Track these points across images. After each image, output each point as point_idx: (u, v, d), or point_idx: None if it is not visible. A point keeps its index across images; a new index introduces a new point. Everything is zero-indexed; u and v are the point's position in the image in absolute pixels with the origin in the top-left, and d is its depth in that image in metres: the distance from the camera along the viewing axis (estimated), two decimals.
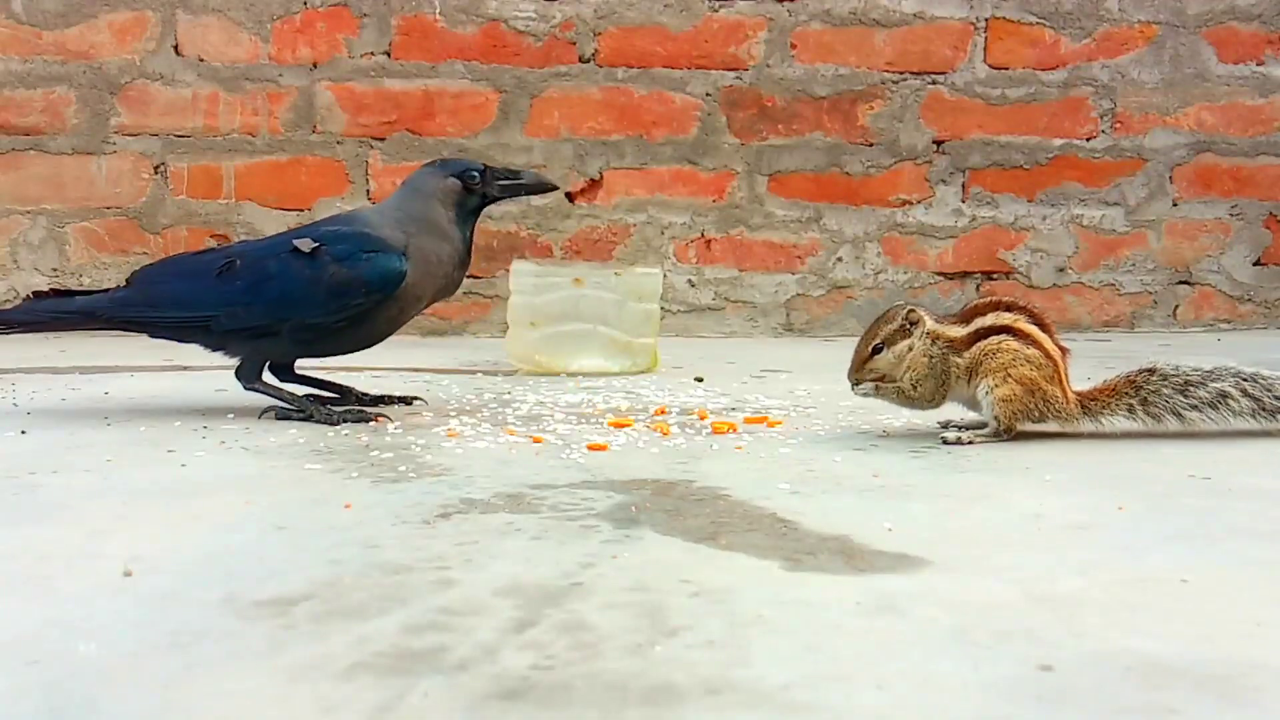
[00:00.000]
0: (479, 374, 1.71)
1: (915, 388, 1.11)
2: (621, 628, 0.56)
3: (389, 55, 2.38)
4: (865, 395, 1.14)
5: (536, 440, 1.10)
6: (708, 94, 2.44)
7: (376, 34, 2.38)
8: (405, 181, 1.33)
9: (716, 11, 2.43)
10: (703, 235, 2.46)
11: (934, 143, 2.49)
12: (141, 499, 0.86)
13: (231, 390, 1.31)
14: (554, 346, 1.69)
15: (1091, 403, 1.12)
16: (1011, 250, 2.52)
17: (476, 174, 1.28)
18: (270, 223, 2.34)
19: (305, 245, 1.22)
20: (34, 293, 1.29)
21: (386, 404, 1.32)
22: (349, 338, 1.26)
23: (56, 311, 1.26)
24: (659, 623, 0.56)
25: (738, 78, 2.44)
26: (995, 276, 2.52)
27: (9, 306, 2.31)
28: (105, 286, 2.30)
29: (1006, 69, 2.49)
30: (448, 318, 2.41)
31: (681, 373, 1.71)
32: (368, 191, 2.38)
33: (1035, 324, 1.11)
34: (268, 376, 1.27)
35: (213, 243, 2.35)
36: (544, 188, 1.35)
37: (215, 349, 1.26)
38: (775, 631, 0.56)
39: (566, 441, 1.09)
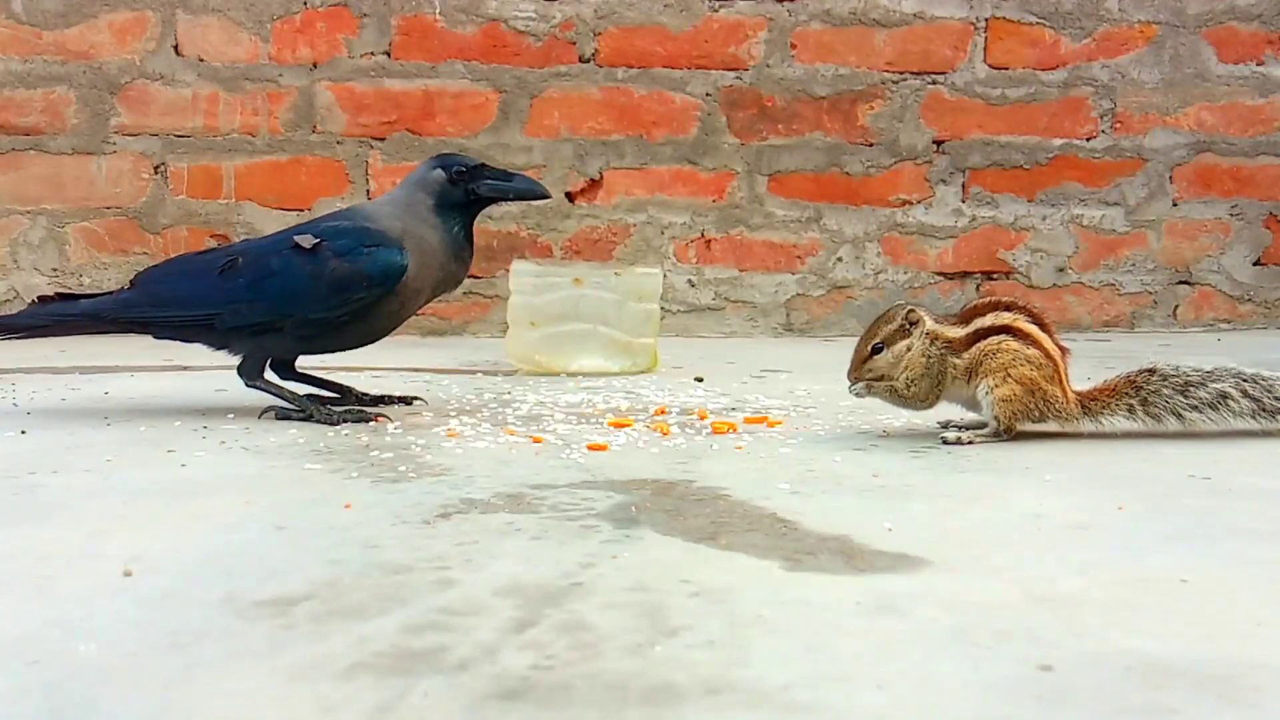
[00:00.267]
0: (479, 374, 1.71)
1: (909, 387, 1.11)
2: (621, 628, 0.56)
3: (389, 55, 2.38)
4: (859, 395, 1.14)
5: (536, 440, 1.10)
6: (708, 94, 2.44)
7: (376, 34, 2.38)
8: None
9: (716, 11, 2.43)
10: (703, 235, 2.46)
11: (934, 143, 2.49)
12: (141, 499, 0.86)
13: (231, 390, 1.32)
14: (554, 346, 1.69)
15: (1091, 403, 1.12)
16: (1011, 250, 2.52)
17: (463, 168, 1.28)
18: (270, 223, 2.34)
19: (306, 241, 1.22)
20: (39, 297, 1.31)
21: (386, 404, 1.32)
22: (352, 333, 1.26)
23: (61, 315, 1.27)
24: (659, 623, 0.56)
25: (738, 78, 2.44)
26: (995, 276, 2.52)
27: (11, 309, 2.32)
28: (105, 286, 2.32)
29: (1006, 69, 2.49)
30: (448, 318, 2.41)
31: (681, 373, 1.71)
32: (367, 191, 2.38)
33: (1035, 324, 1.11)
34: (269, 375, 1.28)
35: (213, 243, 2.35)
36: (533, 194, 1.33)
37: (219, 347, 1.27)
38: (775, 631, 0.56)
39: (566, 441, 1.09)
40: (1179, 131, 2.53)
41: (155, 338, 1.29)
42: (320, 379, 1.33)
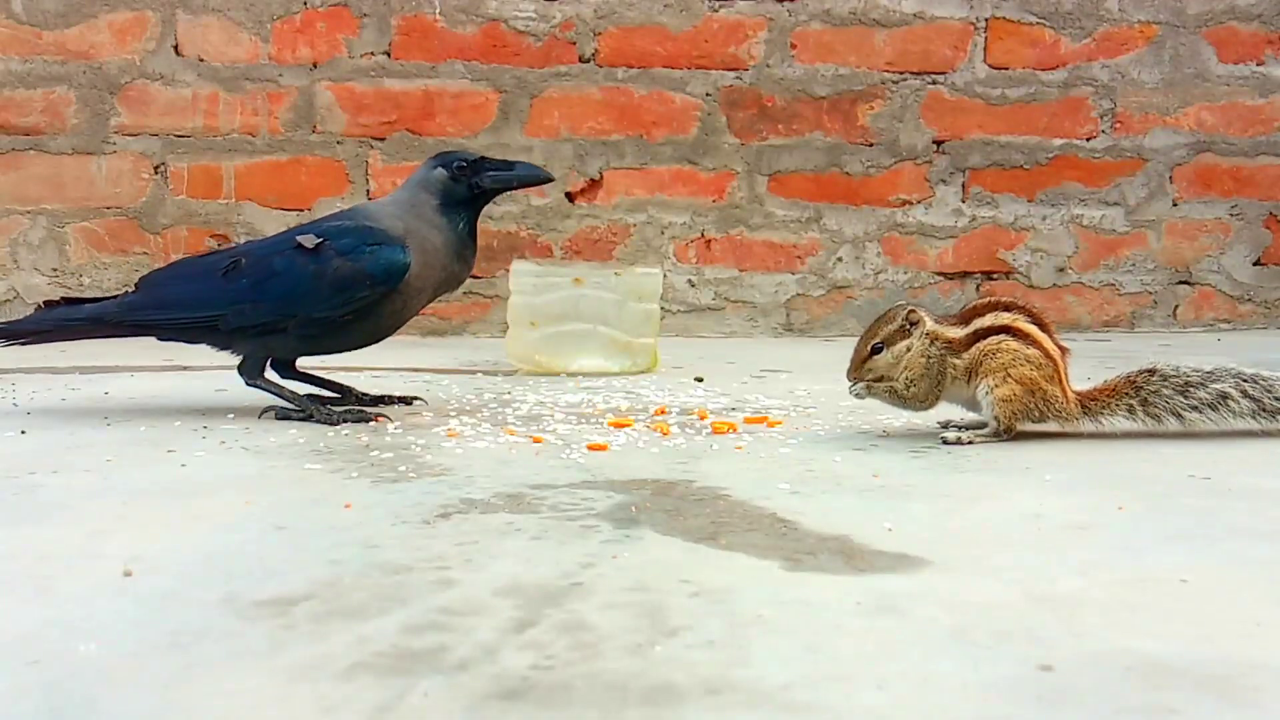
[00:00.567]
0: (479, 374, 1.71)
1: (909, 388, 1.11)
2: (621, 628, 0.56)
3: (389, 55, 2.38)
4: (859, 396, 1.14)
5: (536, 440, 1.10)
6: (708, 94, 2.44)
7: (376, 34, 2.38)
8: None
9: (716, 11, 2.43)
10: (703, 235, 2.46)
11: (934, 143, 2.49)
12: (141, 499, 0.86)
13: (231, 390, 1.32)
14: (554, 346, 1.69)
15: (1091, 403, 1.12)
16: (1011, 250, 2.52)
17: (464, 163, 1.28)
18: (270, 223, 2.34)
19: (309, 241, 1.22)
20: (45, 302, 1.32)
21: (386, 404, 1.32)
22: (355, 333, 1.26)
23: (66, 319, 1.28)
24: (659, 623, 0.56)
25: (738, 78, 2.44)
26: (995, 276, 2.52)
27: (12, 309, 2.32)
28: (105, 286, 2.32)
29: (1006, 69, 2.49)
30: (448, 318, 2.41)
31: (681, 373, 1.71)
32: (368, 191, 2.38)
33: (1034, 323, 1.11)
34: (270, 375, 1.28)
35: (213, 243, 2.35)
36: (536, 179, 1.33)
37: (223, 348, 1.27)
38: (775, 631, 0.56)
39: (566, 441, 1.09)
40: (1179, 131, 2.53)
41: (160, 340, 1.29)
42: (320, 379, 1.33)
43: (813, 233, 2.48)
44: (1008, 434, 1.10)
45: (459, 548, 0.70)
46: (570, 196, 2.43)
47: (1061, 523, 0.79)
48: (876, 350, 1.12)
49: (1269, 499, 0.87)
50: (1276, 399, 1.10)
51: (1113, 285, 2.54)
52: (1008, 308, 1.12)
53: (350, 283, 1.21)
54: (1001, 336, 1.10)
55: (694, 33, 2.42)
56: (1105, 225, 2.53)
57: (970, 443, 1.09)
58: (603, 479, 0.92)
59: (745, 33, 2.44)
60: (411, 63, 2.38)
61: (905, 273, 2.50)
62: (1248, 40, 2.52)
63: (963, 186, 2.50)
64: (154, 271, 1.34)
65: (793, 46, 2.45)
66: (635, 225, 2.44)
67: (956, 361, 1.10)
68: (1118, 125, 2.52)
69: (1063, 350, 1.12)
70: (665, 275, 2.23)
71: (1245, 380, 1.11)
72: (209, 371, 1.61)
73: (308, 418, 1.22)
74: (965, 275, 2.52)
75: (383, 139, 2.38)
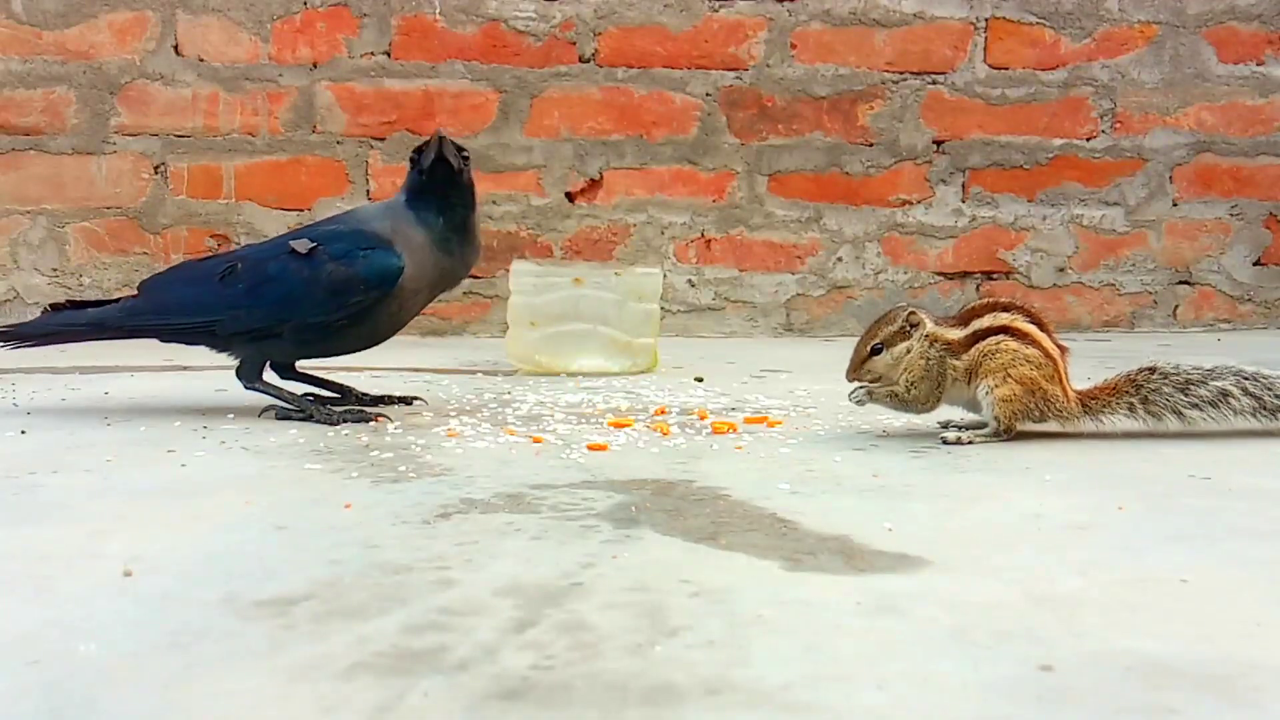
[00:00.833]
0: (479, 374, 1.71)
1: (910, 390, 1.11)
2: (621, 628, 0.56)
3: (389, 55, 2.38)
4: (860, 403, 1.14)
5: (536, 440, 1.10)
6: (708, 94, 2.44)
7: (376, 34, 2.38)
8: None
9: (716, 11, 2.43)
10: (703, 235, 2.46)
11: (934, 143, 2.49)
12: (141, 499, 0.86)
13: (231, 390, 1.32)
14: (554, 346, 1.69)
15: (1092, 401, 1.12)
16: (1011, 250, 2.52)
17: (415, 153, 1.25)
18: (270, 223, 2.35)
19: (302, 246, 1.22)
20: (51, 305, 1.33)
21: (387, 404, 1.32)
22: (351, 337, 1.26)
23: (69, 324, 1.29)
24: (659, 623, 0.56)
25: (738, 78, 2.44)
26: (995, 276, 2.52)
27: (12, 309, 2.32)
28: (105, 286, 2.32)
29: (1006, 69, 2.49)
30: (448, 318, 2.41)
31: (681, 373, 1.71)
32: (368, 191, 2.38)
33: (1033, 323, 1.11)
34: (270, 377, 1.28)
35: (213, 243, 2.35)
36: (440, 146, 1.22)
37: (221, 351, 1.28)
38: (775, 631, 0.56)
39: (566, 441, 1.09)
40: (1179, 131, 2.53)
41: (162, 342, 1.30)
42: (321, 379, 1.33)
43: (813, 233, 2.48)
44: (1008, 434, 1.10)
45: (459, 548, 0.70)
46: (570, 196, 2.43)
47: (1061, 523, 0.79)
48: (876, 351, 1.12)
49: (1269, 499, 0.87)
50: (1277, 397, 1.10)
51: (1113, 285, 2.54)
52: (1006, 308, 1.12)
53: (344, 287, 1.21)
54: (1000, 337, 1.10)
55: (694, 33, 2.42)
56: (1105, 225, 2.53)
57: (970, 443, 1.09)
58: (603, 479, 0.92)
59: (745, 33, 2.44)
60: (411, 63, 2.38)
61: (905, 273, 2.50)
62: (1248, 40, 2.52)
63: (963, 186, 2.50)
64: (154, 275, 1.36)
65: (793, 46, 2.45)
66: (635, 225, 2.44)
67: (956, 363, 1.10)
68: (1118, 125, 2.52)
69: (1062, 349, 1.12)
70: (665, 275, 2.23)
71: (1246, 378, 1.11)
72: (209, 371, 1.61)
73: (307, 418, 1.22)
74: (965, 275, 2.52)
75: (383, 139, 2.38)
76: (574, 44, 2.41)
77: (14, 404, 1.36)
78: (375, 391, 1.36)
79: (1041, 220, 2.52)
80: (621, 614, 0.58)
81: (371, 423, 1.21)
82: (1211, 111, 2.53)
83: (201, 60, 2.36)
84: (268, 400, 1.26)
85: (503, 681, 0.49)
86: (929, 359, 1.10)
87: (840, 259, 2.49)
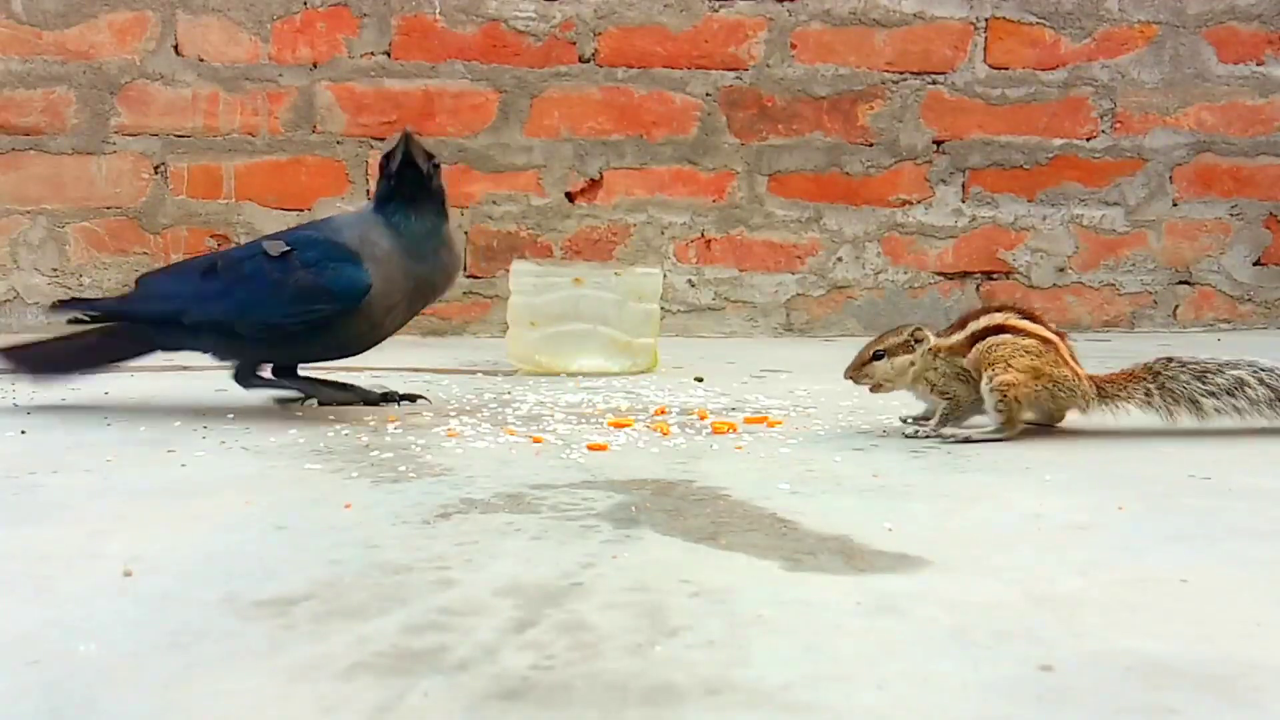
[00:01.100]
0: (479, 374, 1.71)
1: (949, 392, 1.13)
2: (621, 628, 0.56)
3: (389, 55, 2.38)
4: (938, 429, 1.14)
5: (536, 440, 1.10)
6: (708, 94, 2.44)
7: (376, 34, 2.38)
8: None
9: (716, 11, 2.43)
10: (703, 235, 2.46)
11: (934, 143, 2.49)
12: (141, 499, 0.86)
13: (232, 390, 1.32)
14: (554, 346, 1.69)
15: (1108, 385, 1.13)
16: (1011, 250, 2.52)
17: (385, 158, 1.24)
18: (270, 223, 2.34)
19: (274, 248, 1.22)
20: (58, 301, 1.34)
21: (389, 402, 1.32)
22: (319, 345, 1.25)
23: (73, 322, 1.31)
24: (659, 623, 0.56)
25: (738, 78, 2.44)
26: (995, 276, 2.52)
27: (12, 309, 2.32)
28: (105, 286, 2.32)
29: (1006, 69, 2.49)
30: (448, 318, 2.41)
31: (681, 373, 1.71)
32: (367, 192, 2.38)
33: (1026, 318, 1.13)
34: (266, 376, 1.30)
35: (213, 243, 2.36)
36: (406, 144, 1.20)
37: (205, 351, 1.29)
38: (775, 631, 0.56)
39: (566, 441, 1.09)
40: (1179, 131, 2.53)
41: (155, 344, 1.32)
42: (323, 380, 1.34)
43: (813, 233, 2.48)
44: (1010, 427, 1.10)
45: (459, 548, 0.70)
46: (570, 196, 2.43)
47: (1061, 523, 0.79)
48: (878, 356, 1.14)
49: (1269, 499, 0.87)
50: None
51: (1113, 285, 2.54)
52: (999, 309, 1.15)
53: (306, 295, 1.20)
54: (998, 336, 1.11)
55: (694, 33, 2.42)
56: (1105, 225, 2.53)
57: (927, 436, 1.12)
58: (603, 479, 0.92)
59: (745, 33, 2.44)
60: (411, 63, 2.38)
61: (905, 273, 2.50)
62: (1248, 40, 2.52)
63: (963, 186, 2.50)
64: (154, 270, 1.38)
65: (793, 46, 2.45)
66: (635, 225, 2.44)
67: (961, 361, 1.13)
68: (1118, 125, 2.52)
69: (1060, 335, 1.13)
70: (665, 275, 2.22)
71: (1262, 370, 1.11)
72: (209, 371, 1.61)
73: (311, 397, 1.28)
74: (965, 275, 2.52)
75: (383, 139, 2.38)
76: (574, 44, 2.41)
77: (14, 404, 1.36)
78: (378, 391, 1.36)
79: (1041, 220, 2.52)
80: (621, 614, 0.58)
81: (409, 403, 1.29)
82: (1211, 111, 2.53)
83: (201, 60, 2.36)
84: (266, 402, 1.27)
85: (503, 681, 0.49)
86: (938, 367, 1.12)
87: (840, 259, 2.49)
